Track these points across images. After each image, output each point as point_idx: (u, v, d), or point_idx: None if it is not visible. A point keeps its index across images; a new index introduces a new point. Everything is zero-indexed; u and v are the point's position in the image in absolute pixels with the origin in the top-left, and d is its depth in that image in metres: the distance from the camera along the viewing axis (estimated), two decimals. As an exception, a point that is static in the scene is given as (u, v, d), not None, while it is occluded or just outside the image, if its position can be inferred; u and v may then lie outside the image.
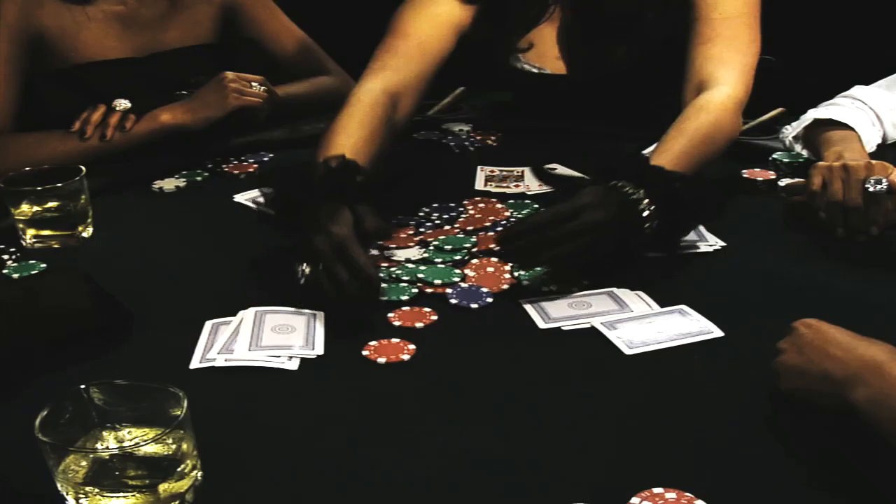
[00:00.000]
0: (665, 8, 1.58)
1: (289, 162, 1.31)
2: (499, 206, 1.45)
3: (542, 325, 1.11)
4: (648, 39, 1.61)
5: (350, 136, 1.35)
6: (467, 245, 1.30)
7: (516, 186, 1.54)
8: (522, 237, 1.18)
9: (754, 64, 1.47)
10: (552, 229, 1.16)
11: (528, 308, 1.14)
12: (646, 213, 1.19)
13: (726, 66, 1.43)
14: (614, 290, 1.17)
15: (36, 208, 1.37)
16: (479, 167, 1.62)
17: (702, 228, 1.32)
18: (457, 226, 1.39)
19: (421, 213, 1.43)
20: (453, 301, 1.17)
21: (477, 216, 1.42)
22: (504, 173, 1.59)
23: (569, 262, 1.18)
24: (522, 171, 1.59)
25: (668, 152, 1.28)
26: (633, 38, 1.62)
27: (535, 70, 1.71)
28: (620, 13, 1.60)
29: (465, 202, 1.47)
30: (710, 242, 1.30)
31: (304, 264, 1.16)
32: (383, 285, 1.18)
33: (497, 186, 1.54)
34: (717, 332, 1.08)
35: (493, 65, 1.74)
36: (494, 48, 1.70)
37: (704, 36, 1.47)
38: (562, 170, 1.58)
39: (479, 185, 1.55)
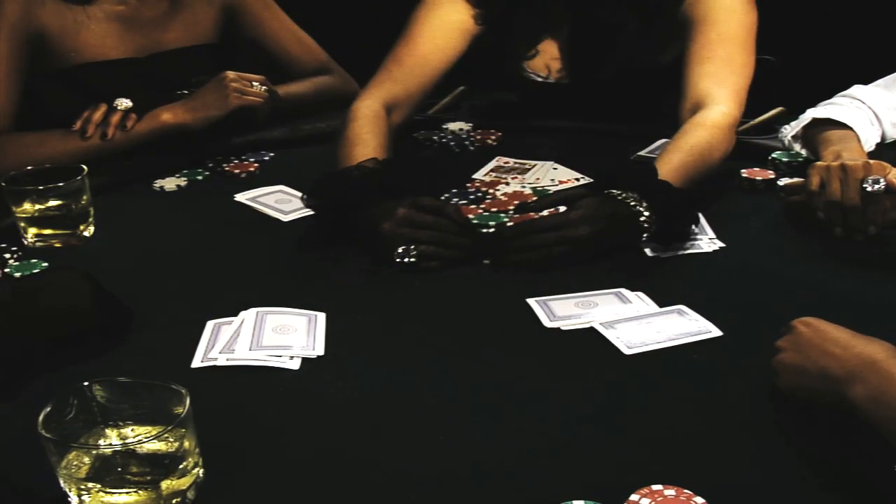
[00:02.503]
0: (650, 21, 1.63)
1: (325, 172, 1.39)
2: (527, 191, 1.48)
3: (547, 323, 1.12)
4: (639, 50, 1.65)
5: (367, 146, 1.44)
6: (504, 221, 1.34)
7: (514, 179, 1.54)
8: (513, 239, 1.26)
9: (747, 86, 1.53)
10: (532, 236, 1.25)
11: (534, 306, 1.15)
12: (646, 225, 1.25)
13: (722, 86, 1.49)
14: (622, 290, 1.18)
15: (38, 207, 1.38)
16: (496, 157, 1.64)
17: (703, 222, 1.34)
18: (482, 207, 1.42)
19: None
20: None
21: (503, 199, 1.45)
22: (517, 165, 1.61)
23: (537, 265, 1.24)
24: (533, 165, 1.60)
25: (668, 164, 1.35)
26: (623, 48, 1.65)
27: (539, 79, 1.75)
28: (611, 23, 1.64)
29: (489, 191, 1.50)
30: (710, 236, 1.32)
31: (400, 249, 1.24)
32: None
33: (496, 177, 1.55)
34: (717, 332, 1.08)
35: (500, 70, 1.78)
36: (501, 55, 1.74)
37: (702, 55, 1.53)
38: (562, 170, 1.59)
39: (481, 174, 1.57)
